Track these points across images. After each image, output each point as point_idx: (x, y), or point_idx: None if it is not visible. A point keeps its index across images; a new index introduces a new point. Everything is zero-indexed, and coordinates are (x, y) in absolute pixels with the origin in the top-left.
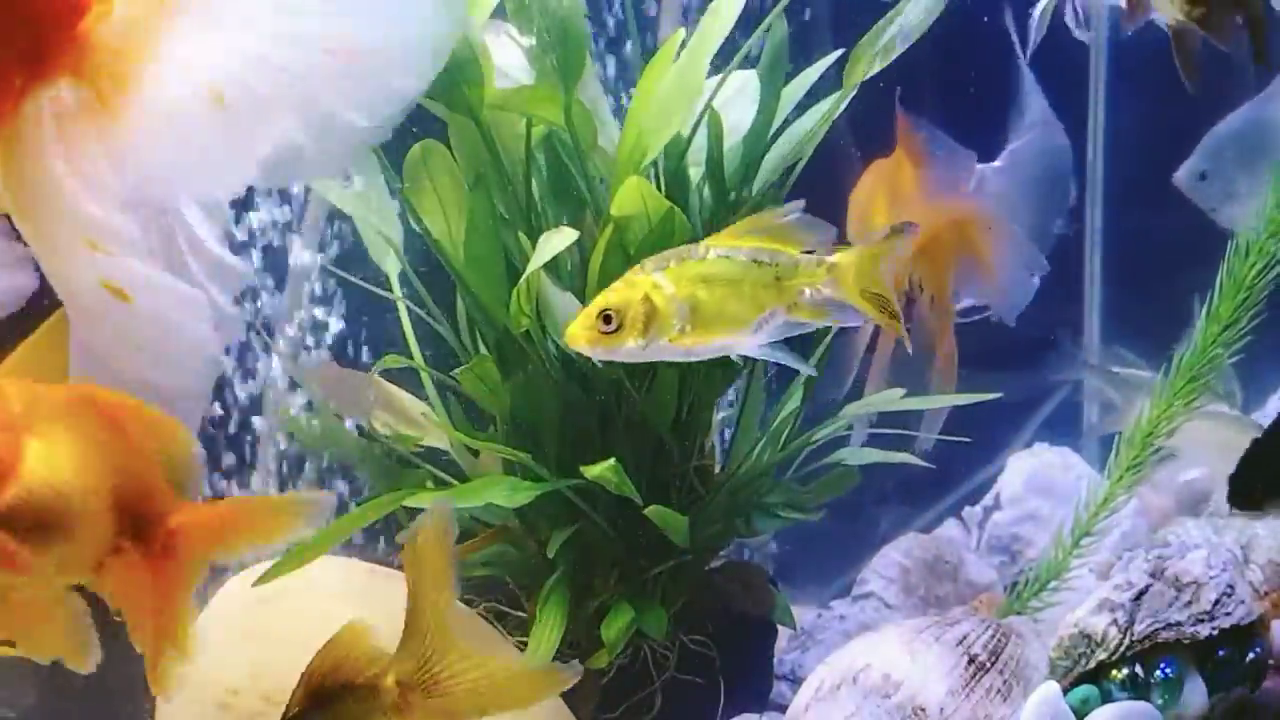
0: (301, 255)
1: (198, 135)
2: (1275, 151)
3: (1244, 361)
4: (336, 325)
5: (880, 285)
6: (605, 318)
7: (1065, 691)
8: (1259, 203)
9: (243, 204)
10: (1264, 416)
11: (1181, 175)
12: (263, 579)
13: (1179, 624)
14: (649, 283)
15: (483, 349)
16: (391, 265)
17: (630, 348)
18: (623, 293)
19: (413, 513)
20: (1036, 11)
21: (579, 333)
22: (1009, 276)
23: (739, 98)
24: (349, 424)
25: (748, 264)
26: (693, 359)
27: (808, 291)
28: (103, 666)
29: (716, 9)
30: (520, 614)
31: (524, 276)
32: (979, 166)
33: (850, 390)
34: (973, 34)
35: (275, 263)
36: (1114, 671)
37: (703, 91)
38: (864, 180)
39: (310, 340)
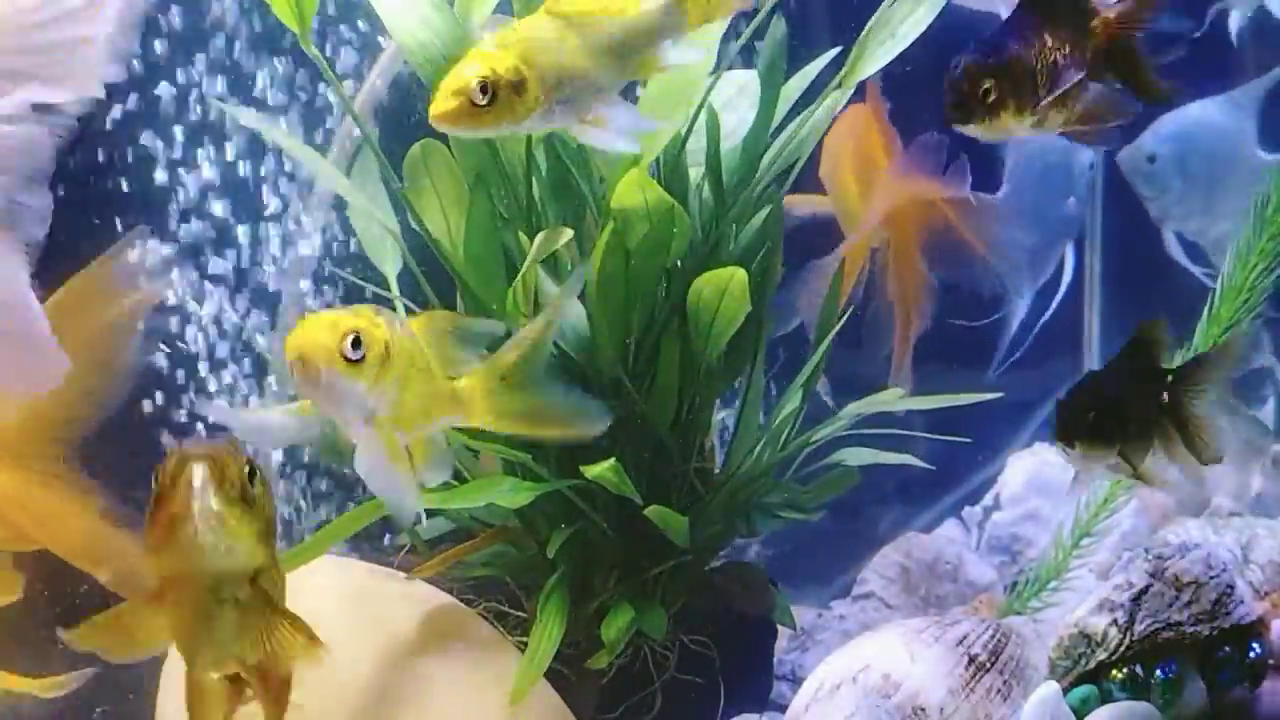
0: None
1: None
2: (1217, 160)
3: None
4: None
5: None
6: (482, 88)
7: (1065, 691)
8: (1192, 206)
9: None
10: (1265, 416)
11: (1126, 156)
12: None
13: (1179, 624)
14: (518, 47)
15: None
16: (390, 264)
17: (505, 124)
18: (494, 59)
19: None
20: None
21: (447, 108)
22: (997, 242)
23: (739, 98)
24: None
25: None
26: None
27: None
28: (103, 667)
29: None
30: (520, 614)
31: (520, 273)
32: (983, 198)
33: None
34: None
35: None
36: (1114, 671)
37: (701, 87)
38: (837, 127)
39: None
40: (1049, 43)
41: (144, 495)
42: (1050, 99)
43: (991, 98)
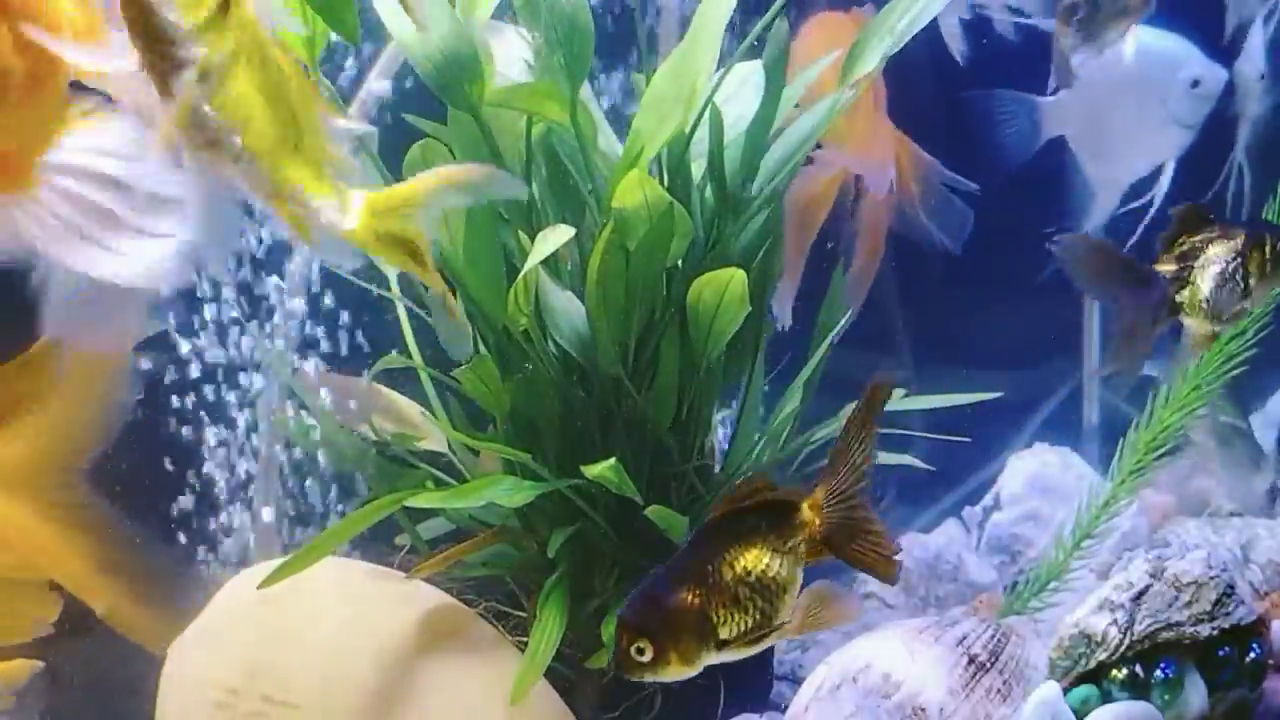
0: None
1: None
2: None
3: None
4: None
5: None
6: None
7: (1065, 691)
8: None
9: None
10: (1266, 419)
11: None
12: (268, 581)
13: (1179, 624)
14: None
15: (483, 349)
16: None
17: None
18: None
19: (414, 514)
20: None
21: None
22: (932, 197)
23: (743, 90)
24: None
25: None
26: None
27: None
28: (103, 667)
29: (707, 5)
30: (520, 614)
31: (521, 274)
32: (1038, 100)
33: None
34: None
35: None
36: (1114, 671)
37: (704, 84)
38: (809, 30)
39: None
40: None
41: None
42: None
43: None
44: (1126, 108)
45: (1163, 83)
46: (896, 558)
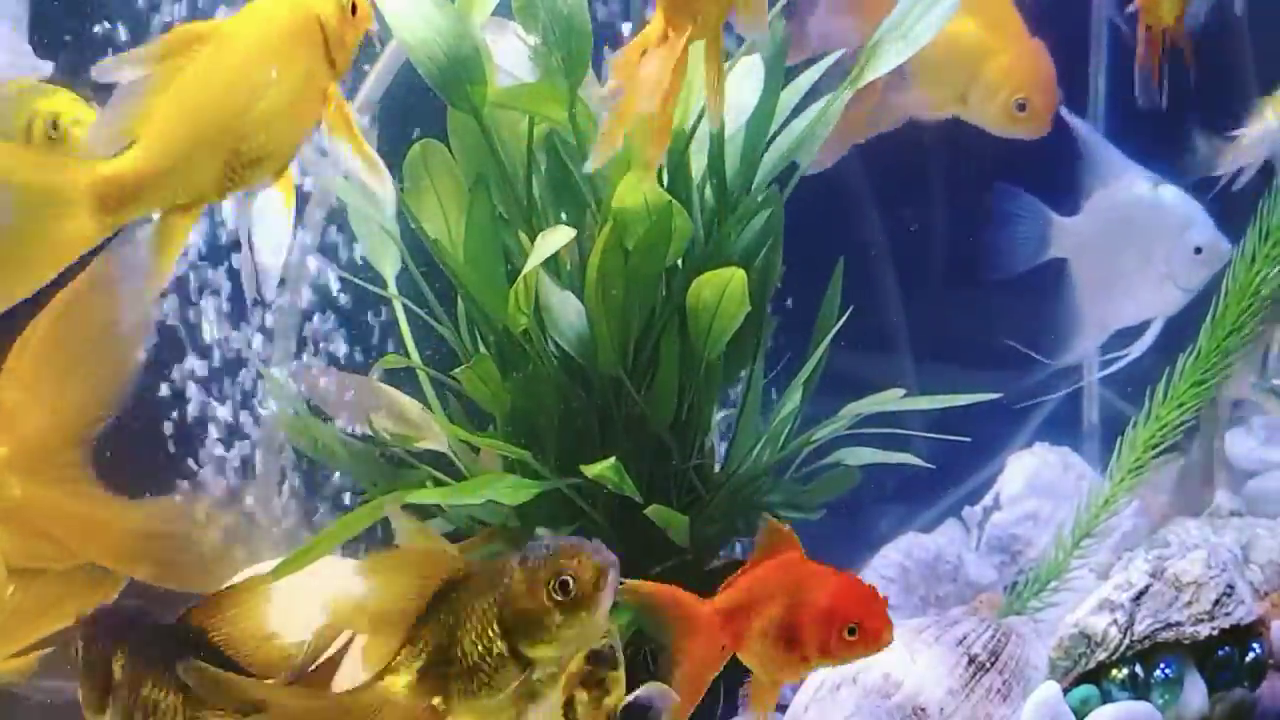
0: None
1: None
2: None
3: None
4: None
5: None
6: None
7: (1065, 691)
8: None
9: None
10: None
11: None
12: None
13: (1179, 624)
14: None
15: (483, 348)
16: (390, 265)
17: None
18: None
19: (413, 514)
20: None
21: None
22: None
23: (744, 82)
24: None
25: None
26: None
27: None
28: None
29: None
30: None
31: (521, 274)
32: (1059, 219)
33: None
34: None
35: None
36: (1114, 671)
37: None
38: None
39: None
40: None
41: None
42: None
43: None
44: (1130, 253)
45: (1169, 240)
46: None
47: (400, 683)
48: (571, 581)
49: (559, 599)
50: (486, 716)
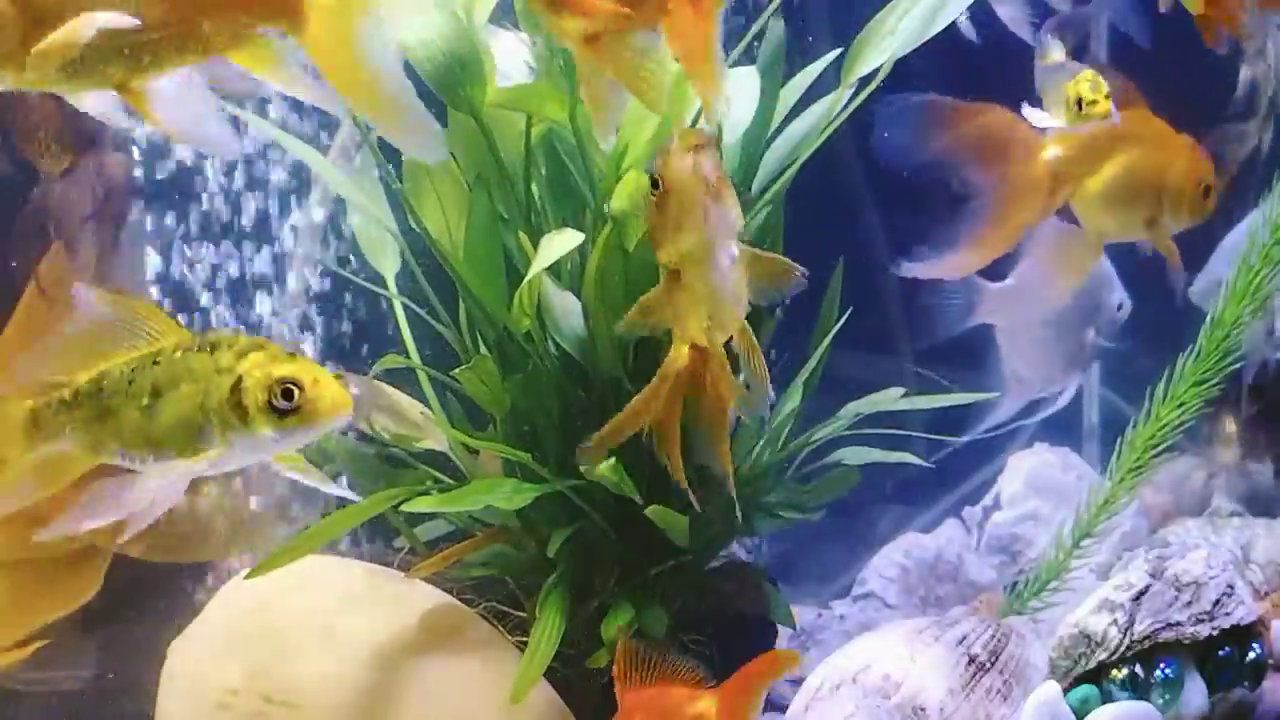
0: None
1: None
2: None
3: None
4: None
5: None
6: None
7: (1065, 691)
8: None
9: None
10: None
11: (1197, 290)
12: (253, 573)
13: (1179, 624)
14: None
15: (483, 349)
16: (390, 264)
17: None
18: None
19: (413, 514)
20: None
21: None
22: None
23: (739, 97)
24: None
25: None
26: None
27: None
28: (103, 665)
29: None
30: (520, 614)
31: (527, 279)
32: (987, 285)
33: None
34: None
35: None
36: (1114, 671)
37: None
38: None
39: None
40: None
41: None
42: None
43: None
44: (1058, 314)
45: (1095, 299)
46: None
47: None
48: None
49: None
50: None
